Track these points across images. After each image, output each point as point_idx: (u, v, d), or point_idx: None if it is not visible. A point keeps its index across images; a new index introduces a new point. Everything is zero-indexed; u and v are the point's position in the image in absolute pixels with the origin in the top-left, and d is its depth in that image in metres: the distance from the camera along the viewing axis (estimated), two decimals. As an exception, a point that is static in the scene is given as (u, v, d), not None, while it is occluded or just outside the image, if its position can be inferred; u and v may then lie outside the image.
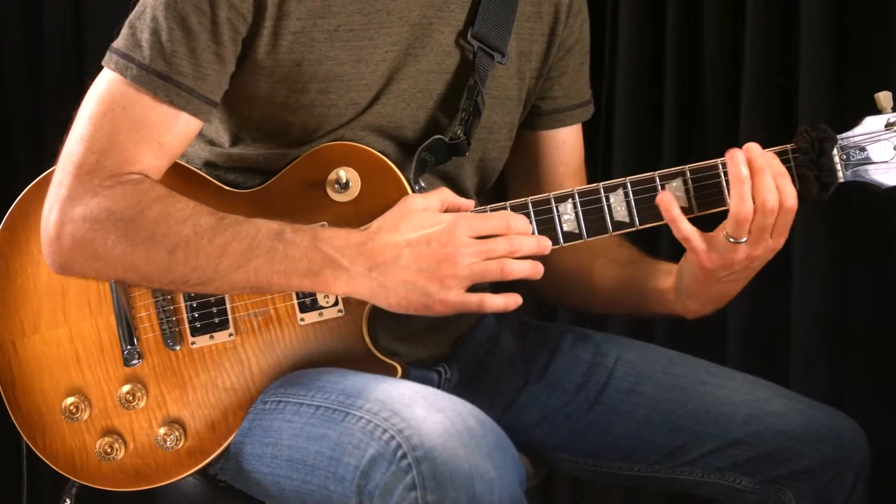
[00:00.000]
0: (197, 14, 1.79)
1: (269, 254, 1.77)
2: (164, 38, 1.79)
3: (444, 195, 1.83)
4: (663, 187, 1.84)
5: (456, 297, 1.76)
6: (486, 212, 1.84)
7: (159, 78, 1.79)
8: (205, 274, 1.78)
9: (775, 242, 1.82)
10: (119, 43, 1.82)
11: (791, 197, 1.80)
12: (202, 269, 1.77)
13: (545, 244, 1.82)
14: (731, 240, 1.80)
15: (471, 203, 1.85)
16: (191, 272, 1.78)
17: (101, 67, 1.84)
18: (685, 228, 1.81)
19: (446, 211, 1.83)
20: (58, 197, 1.80)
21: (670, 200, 1.81)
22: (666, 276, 1.97)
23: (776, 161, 1.81)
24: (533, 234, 1.83)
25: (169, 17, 1.79)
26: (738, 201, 1.78)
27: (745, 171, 1.78)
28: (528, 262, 1.80)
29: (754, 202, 1.78)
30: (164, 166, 1.83)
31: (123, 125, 1.80)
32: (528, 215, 1.84)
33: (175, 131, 1.82)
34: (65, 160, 1.81)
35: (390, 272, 1.76)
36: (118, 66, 1.81)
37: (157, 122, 1.80)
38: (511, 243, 1.78)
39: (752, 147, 1.81)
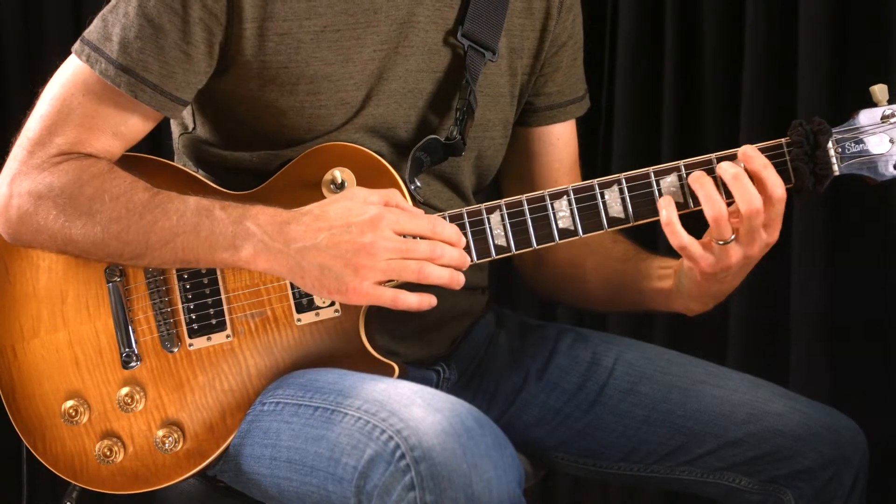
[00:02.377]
0: (168, 13, 1.81)
1: (195, 230, 1.79)
2: (132, 34, 1.82)
3: (390, 195, 1.80)
4: (658, 183, 1.83)
5: (369, 288, 1.75)
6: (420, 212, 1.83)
7: (125, 73, 1.82)
8: (136, 249, 1.81)
9: (769, 237, 1.82)
10: (91, 34, 1.85)
11: (778, 187, 1.79)
12: (133, 244, 1.81)
13: (464, 259, 1.81)
14: (720, 242, 1.80)
15: (419, 212, 1.83)
16: (123, 247, 1.81)
17: None
18: (682, 236, 1.81)
19: None
20: (10, 170, 1.86)
21: (668, 205, 1.81)
22: (664, 277, 1.97)
23: (756, 154, 1.81)
24: (525, 232, 1.82)
25: (140, 14, 1.81)
26: (707, 203, 1.79)
27: (699, 174, 1.79)
28: (448, 270, 1.79)
29: (738, 206, 1.78)
30: (118, 152, 1.87)
31: (81, 110, 1.85)
32: (522, 213, 1.84)
33: (131, 123, 1.86)
34: (21, 135, 1.87)
35: (308, 253, 1.76)
36: (89, 59, 1.84)
37: (115, 113, 1.85)
38: (433, 249, 1.78)
39: (723, 164, 1.81)
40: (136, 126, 1.87)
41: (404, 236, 1.77)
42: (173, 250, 1.80)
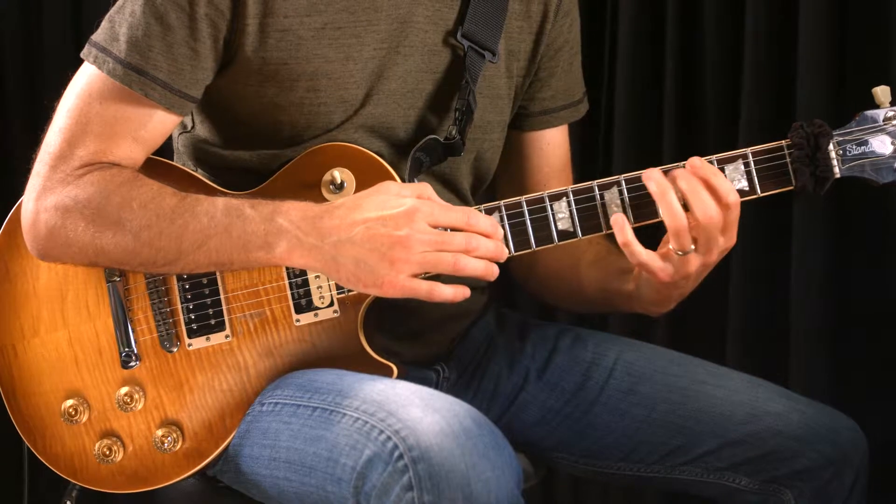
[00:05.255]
0: (175, 10, 1.81)
1: (227, 230, 1.78)
2: (140, 32, 1.81)
3: (422, 189, 1.80)
4: (658, 185, 1.84)
5: (405, 281, 1.75)
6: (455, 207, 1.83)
7: (134, 72, 1.82)
8: (169, 255, 1.80)
9: (727, 241, 1.82)
10: (98, 36, 1.85)
11: (730, 194, 1.80)
12: (166, 249, 1.80)
13: (501, 251, 1.80)
14: (680, 253, 1.81)
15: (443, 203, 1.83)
16: (156, 253, 1.80)
17: None
18: (640, 253, 1.82)
19: None
20: (34, 186, 1.85)
21: (623, 225, 1.81)
22: (628, 279, 1.97)
23: (704, 165, 1.81)
24: (524, 233, 1.82)
25: (147, 13, 1.81)
26: (669, 215, 1.79)
27: (659, 185, 1.80)
28: (483, 262, 1.78)
29: (695, 218, 1.79)
30: (141, 157, 1.86)
31: (99, 119, 1.84)
32: (521, 214, 1.84)
33: (150, 126, 1.85)
34: (42, 151, 1.86)
35: (343, 246, 1.75)
36: (96, 60, 1.84)
37: (131, 117, 1.84)
38: (469, 241, 1.77)
39: (678, 173, 1.82)
40: (155, 129, 1.86)
41: (439, 229, 1.77)
42: (206, 253, 1.79)
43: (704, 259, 1.82)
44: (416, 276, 1.76)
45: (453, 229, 1.78)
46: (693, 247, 1.81)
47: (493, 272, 1.79)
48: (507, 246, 1.84)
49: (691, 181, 1.80)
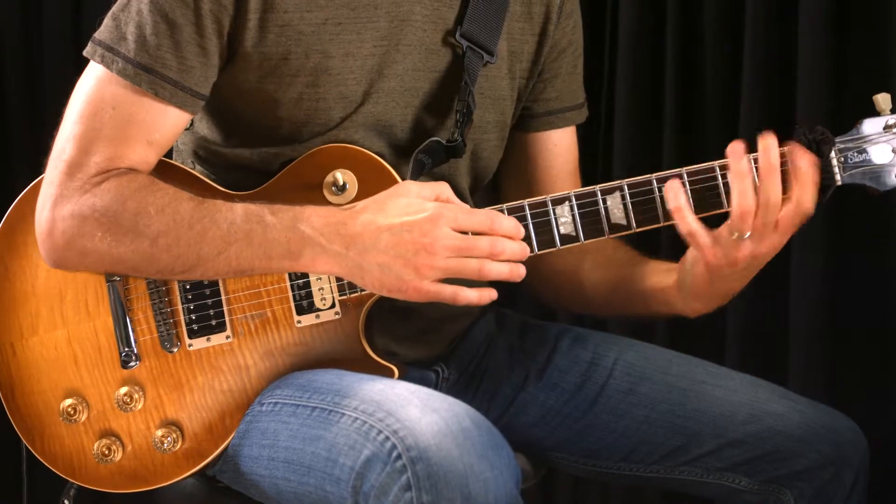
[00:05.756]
0: (181, 7, 1.80)
1: (248, 237, 1.78)
2: (148, 31, 1.81)
3: (441, 189, 1.80)
4: (660, 190, 1.83)
5: (430, 286, 1.76)
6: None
7: (144, 71, 1.81)
8: (188, 261, 1.79)
9: (781, 238, 1.80)
10: (103, 35, 1.84)
11: (808, 202, 1.78)
12: (184, 256, 1.79)
13: (525, 252, 1.80)
14: (736, 235, 1.79)
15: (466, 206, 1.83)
16: (174, 260, 1.79)
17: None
18: (690, 221, 1.79)
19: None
20: (49, 195, 1.83)
21: (677, 190, 1.80)
22: (666, 274, 1.95)
23: (805, 163, 1.79)
24: (527, 237, 1.82)
25: (153, 11, 1.80)
26: (741, 196, 1.77)
27: (745, 165, 1.77)
28: (508, 265, 1.78)
29: (758, 198, 1.77)
30: (154, 160, 1.86)
31: (111, 123, 1.82)
32: (524, 217, 1.83)
33: (162, 127, 1.84)
34: (55, 158, 1.84)
35: (368, 253, 1.76)
36: (104, 60, 1.83)
37: (143, 119, 1.82)
38: (494, 245, 1.77)
39: (769, 146, 1.79)
40: (167, 129, 1.85)
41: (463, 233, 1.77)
42: (226, 260, 1.79)
43: (755, 248, 1.79)
44: (440, 280, 1.76)
45: (476, 233, 1.78)
46: (748, 233, 1.79)
47: (519, 273, 1.79)
48: None
49: (775, 164, 1.77)
